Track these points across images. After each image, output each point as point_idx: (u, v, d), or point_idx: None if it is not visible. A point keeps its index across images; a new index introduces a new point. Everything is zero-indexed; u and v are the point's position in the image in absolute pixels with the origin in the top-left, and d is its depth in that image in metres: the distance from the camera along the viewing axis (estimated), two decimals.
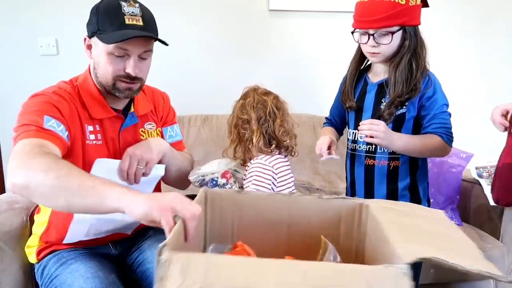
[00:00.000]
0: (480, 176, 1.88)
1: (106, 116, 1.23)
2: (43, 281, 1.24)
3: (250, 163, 1.36)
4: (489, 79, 2.50)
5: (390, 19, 1.23)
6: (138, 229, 1.38)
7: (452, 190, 1.90)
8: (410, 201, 1.36)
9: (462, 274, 1.68)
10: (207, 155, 2.07)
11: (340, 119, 1.53)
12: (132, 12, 1.14)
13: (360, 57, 1.40)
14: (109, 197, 0.83)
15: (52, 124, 1.09)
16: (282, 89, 2.51)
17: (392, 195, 1.36)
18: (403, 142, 1.28)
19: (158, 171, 1.24)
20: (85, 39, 1.21)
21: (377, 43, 1.27)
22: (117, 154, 1.25)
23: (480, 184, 1.82)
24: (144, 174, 1.18)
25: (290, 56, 2.35)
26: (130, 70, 1.16)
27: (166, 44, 1.21)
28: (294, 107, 2.30)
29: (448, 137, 1.30)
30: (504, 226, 1.77)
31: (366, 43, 1.29)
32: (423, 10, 1.31)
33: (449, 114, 1.32)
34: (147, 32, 1.16)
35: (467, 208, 1.93)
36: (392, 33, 1.25)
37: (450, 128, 1.31)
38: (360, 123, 1.28)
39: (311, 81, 2.38)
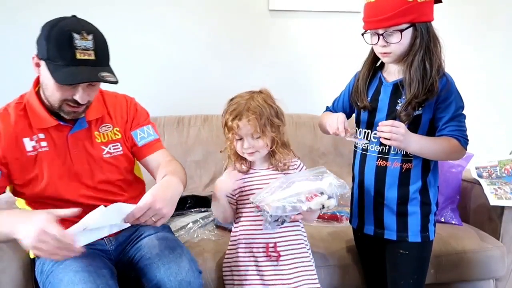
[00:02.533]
0: (480, 176, 1.88)
1: (48, 126, 1.26)
2: (42, 278, 1.27)
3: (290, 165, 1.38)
4: (490, 79, 2.50)
5: (398, 17, 1.21)
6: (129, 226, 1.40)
7: (452, 190, 1.90)
8: (420, 204, 1.34)
9: (462, 274, 1.69)
10: (207, 155, 2.07)
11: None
12: (85, 46, 1.14)
13: (373, 58, 1.37)
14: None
15: None
16: (282, 89, 2.51)
17: (402, 198, 1.34)
18: (421, 144, 1.26)
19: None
20: (34, 57, 1.20)
21: (387, 42, 1.24)
22: (67, 158, 1.28)
23: (480, 184, 1.82)
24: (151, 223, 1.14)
25: (290, 56, 2.35)
26: (78, 98, 1.19)
27: (115, 83, 1.19)
28: (294, 107, 2.31)
29: (464, 140, 1.28)
30: (504, 226, 1.77)
31: (376, 43, 1.27)
32: None
33: (465, 117, 1.30)
34: (98, 66, 1.16)
35: (467, 208, 1.92)
36: (401, 31, 1.22)
37: (466, 131, 1.29)
38: (380, 124, 1.24)
39: (311, 81, 2.38)
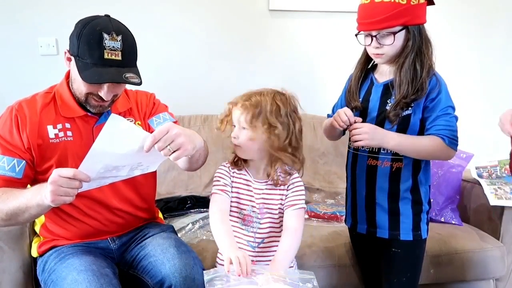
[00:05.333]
0: (480, 176, 1.88)
1: (75, 115, 1.29)
2: (43, 277, 1.28)
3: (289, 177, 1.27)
4: (489, 79, 2.51)
5: (391, 19, 1.22)
6: (134, 227, 1.42)
7: (452, 190, 1.90)
8: (411, 203, 1.35)
9: (462, 274, 1.69)
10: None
11: None
12: (113, 47, 1.17)
13: (365, 59, 1.39)
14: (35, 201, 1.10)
15: (2, 164, 1.21)
16: None
17: (393, 196, 1.35)
18: (398, 141, 1.27)
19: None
20: (66, 52, 1.25)
21: (380, 44, 1.26)
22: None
23: (480, 184, 1.82)
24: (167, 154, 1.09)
25: (290, 56, 2.35)
26: (103, 95, 1.22)
27: (139, 84, 1.21)
28: None
29: (450, 140, 1.27)
30: (504, 226, 1.77)
31: (369, 45, 1.29)
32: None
33: (455, 117, 1.30)
34: (124, 67, 1.19)
35: (467, 208, 1.93)
36: (394, 33, 1.24)
37: (454, 131, 1.29)
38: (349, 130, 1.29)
39: (311, 81, 2.38)
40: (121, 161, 1.08)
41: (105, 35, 1.16)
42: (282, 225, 1.26)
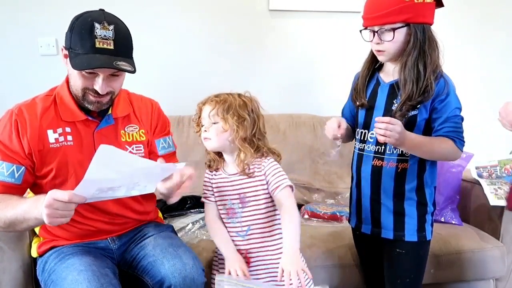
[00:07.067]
0: (480, 176, 1.88)
1: (76, 119, 1.28)
2: (43, 277, 1.28)
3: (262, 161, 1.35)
4: (489, 79, 2.51)
5: (393, 15, 1.22)
6: (135, 226, 1.42)
7: (452, 190, 1.90)
8: (416, 204, 1.34)
9: (462, 274, 1.69)
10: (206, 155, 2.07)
11: (352, 121, 1.48)
12: (104, 36, 1.16)
13: (372, 57, 1.38)
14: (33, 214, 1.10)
15: (1, 170, 1.21)
16: (282, 89, 2.51)
17: (398, 196, 1.34)
18: (415, 143, 1.26)
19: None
20: (62, 49, 1.25)
21: (381, 40, 1.26)
22: (91, 154, 1.22)
23: (480, 184, 1.82)
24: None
25: (290, 56, 2.35)
26: (98, 88, 1.21)
27: (132, 72, 1.21)
28: (294, 107, 2.32)
29: (460, 142, 1.28)
30: (504, 226, 1.77)
31: (371, 40, 1.29)
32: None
33: (462, 118, 1.30)
34: (116, 56, 1.18)
35: (467, 208, 1.93)
36: (394, 29, 1.24)
37: (462, 132, 1.29)
38: (377, 119, 1.22)
39: (311, 81, 2.38)
40: (115, 183, 1.08)
41: (97, 25, 1.16)
42: (268, 211, 1.34)
